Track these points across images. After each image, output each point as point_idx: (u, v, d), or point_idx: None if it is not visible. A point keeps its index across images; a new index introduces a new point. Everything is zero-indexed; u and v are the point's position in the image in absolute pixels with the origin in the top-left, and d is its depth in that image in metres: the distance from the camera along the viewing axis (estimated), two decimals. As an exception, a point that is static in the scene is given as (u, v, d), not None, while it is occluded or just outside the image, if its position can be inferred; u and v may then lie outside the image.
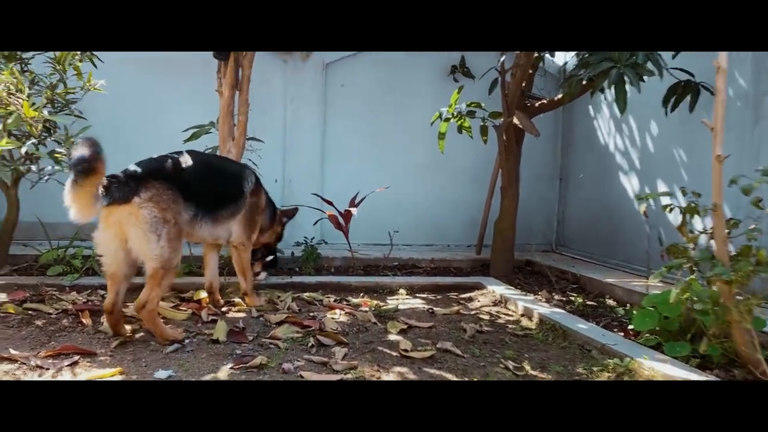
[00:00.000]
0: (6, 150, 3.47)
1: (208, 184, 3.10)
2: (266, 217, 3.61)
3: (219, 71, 4.12)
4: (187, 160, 2.99)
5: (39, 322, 2.94)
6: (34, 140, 3.10)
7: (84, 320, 2.99)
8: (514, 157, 4.67)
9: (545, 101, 4.60)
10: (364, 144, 5.52)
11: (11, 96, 2.86)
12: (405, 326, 3.19)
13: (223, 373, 2.39)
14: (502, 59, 4.61)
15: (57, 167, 3.61)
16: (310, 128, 5.36)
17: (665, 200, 3.50)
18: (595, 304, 3.96)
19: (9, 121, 2.90)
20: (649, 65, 3.13)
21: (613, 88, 3.11)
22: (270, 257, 3.87)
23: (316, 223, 4.77)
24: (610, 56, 3.05)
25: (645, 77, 3.17)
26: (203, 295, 3.47)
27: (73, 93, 3.84)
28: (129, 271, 2.77)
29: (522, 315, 3.57)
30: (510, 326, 3.33)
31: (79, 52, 3.77)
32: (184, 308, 3.30)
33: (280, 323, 3.12)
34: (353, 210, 4.41)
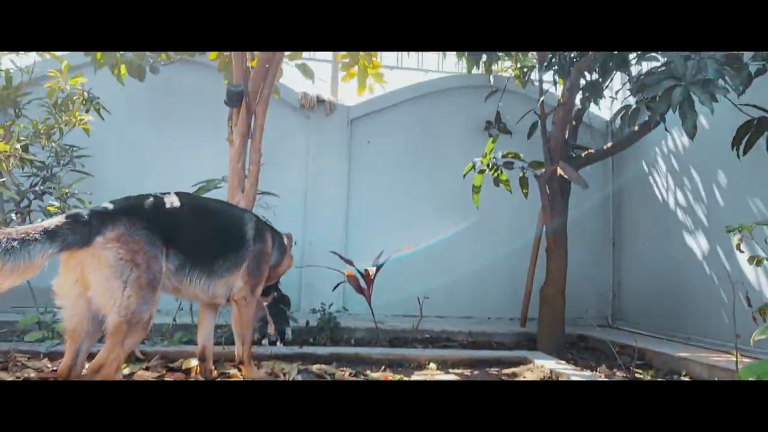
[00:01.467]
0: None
1: (199, 230, 2.62)
2: (275, 258, 3.10)
3: (230, 119, 3.80)
4: (173, 201, 2.55)
5: (-10, 392, 2.45)
6: (4, 179, 2.74)
7: (45, 391, 2.50)
8: (560, 212, 4.12)
9: (592, 151, 4.10)
10: (392, 204, 5.06)
11: (-20, 127, 2.55)
12: (431, 404, 2.57)
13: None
14: (541, 99, 4.18)
15: (48, 220, 3.29)
16: (334, 187, 4.96)
17: (752, 252, 2.88)
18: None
19: (-21, 157, 2.57)
20: (721, 82, 2.60)
21: (678, 110, 2.56)
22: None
23: (336, 287, 4.24)
24: (671, 73, 2.55)
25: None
26: (194, 363, 2.94)
27: (81, 148, 3.63)
28: (92, 329, 2.28)
29: (578, 394, 2.89)
30: (564, 407, 2.65)
31: (81, 105, 3.56)
32: (169, 379, 2.77)
33: (277, 399, 2.55)
34: (371, 269, 3.87)
